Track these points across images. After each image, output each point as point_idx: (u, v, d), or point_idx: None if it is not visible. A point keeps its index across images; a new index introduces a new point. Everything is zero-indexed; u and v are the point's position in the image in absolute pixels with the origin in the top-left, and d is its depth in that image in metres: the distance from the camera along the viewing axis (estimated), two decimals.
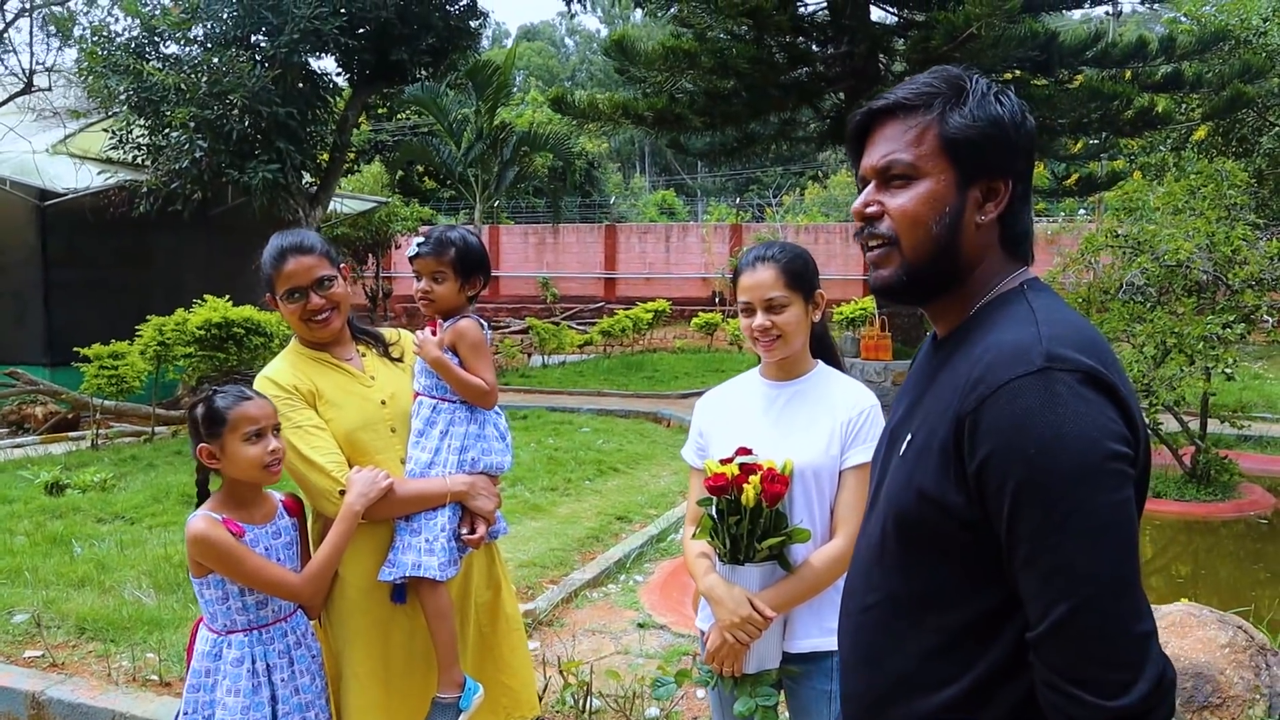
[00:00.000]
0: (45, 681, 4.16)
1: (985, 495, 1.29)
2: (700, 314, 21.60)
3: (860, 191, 1.52)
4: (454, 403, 2.68)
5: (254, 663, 2.44)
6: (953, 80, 1.44)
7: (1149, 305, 8.00)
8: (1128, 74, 10.98)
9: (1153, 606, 3.49)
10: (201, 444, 2.43)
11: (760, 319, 2.40)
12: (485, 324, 2.77)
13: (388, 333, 2.88)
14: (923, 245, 1.44)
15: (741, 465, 2.31)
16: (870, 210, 1.47)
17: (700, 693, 3.80)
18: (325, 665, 2.64)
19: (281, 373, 2.62)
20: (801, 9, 10.97)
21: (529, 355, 19.50)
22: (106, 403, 10.58)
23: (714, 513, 2.34)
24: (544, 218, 29.28)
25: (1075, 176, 14.61)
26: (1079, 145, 13.92)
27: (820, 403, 2.45)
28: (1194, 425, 8.44)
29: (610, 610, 5.08)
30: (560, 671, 3.83)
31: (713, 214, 33.21)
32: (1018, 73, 10.84)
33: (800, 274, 2.42)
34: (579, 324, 23.85)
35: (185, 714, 2.47)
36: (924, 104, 1.43)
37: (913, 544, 1.44)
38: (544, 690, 3.79)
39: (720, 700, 2.53)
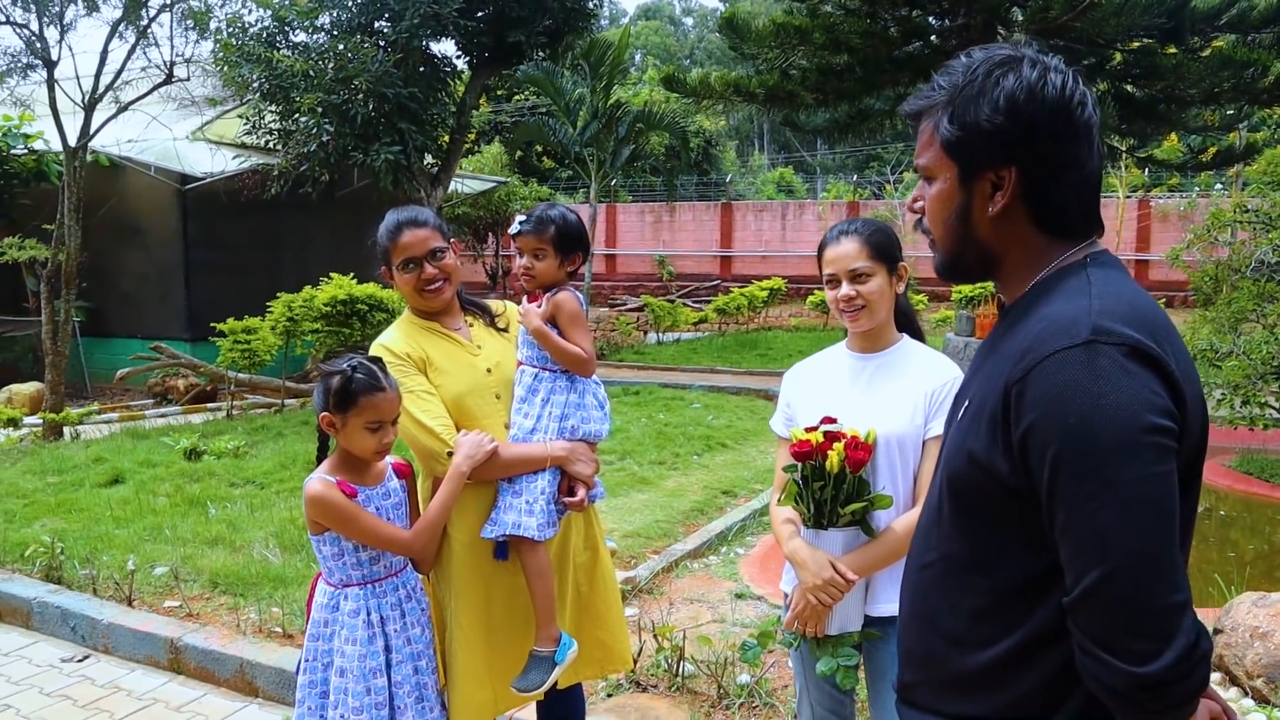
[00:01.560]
0: (182, 629, 4.49)
1: (1028, 462, 1.33)
2: (816, 292, 21.41)
3: None
4: (555, 372, 2.80)
5: (369, 614, 2.61)
6: (954, 78, 1.47)
7: None
8: (1267, 39, 10.42)
9: (1263, 594, 3.42)
10: (326, 412, 2.58)
11: (845, 289, 2.45)
12: (582, 297, 2.87)
13: (493, 304, 3.01)
14: (944, 238, 1.52)
15: (826, 433, 2.36)
16: (917, 205, 1.56)
17: (790, 662, 3.87)
18: (433, 617, 2.81)
19: (396, 340, 2.78)
20: None
21: (644, 332, 19.67)
22: (240, 375, 11.14)
23: (799, 479, 2.40)
24: (660, 196, 29.36)
25: (1213, 150, 13.95)
26: (1214, 117, 13.28)
27: (905, 374, 2.48)
28: None
29: (709, 580, 5.17)
30: (655, 636, 3.94)
31: (830, 191, 32.80)
32: (1146, 41, 10.42)
33: (883, 246, 2.46)
34: (694, 302, 23.91)
35: (307, 661, 2.65)
36: (931, 107, 1.49)
37: (964, 506, 1.48)
38: (639, 654, 3.91)
39: (803, 661, 2.60)
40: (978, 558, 1.46)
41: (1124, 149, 12.41)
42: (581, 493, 2.77)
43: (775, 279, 21.89)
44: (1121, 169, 21.75)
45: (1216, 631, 3.81)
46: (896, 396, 2.44)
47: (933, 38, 11.10)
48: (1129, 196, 23.44)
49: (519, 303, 3.00)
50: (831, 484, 2.35)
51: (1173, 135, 14.86)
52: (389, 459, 2.75)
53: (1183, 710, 1.28)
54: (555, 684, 2.78)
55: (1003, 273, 1.52)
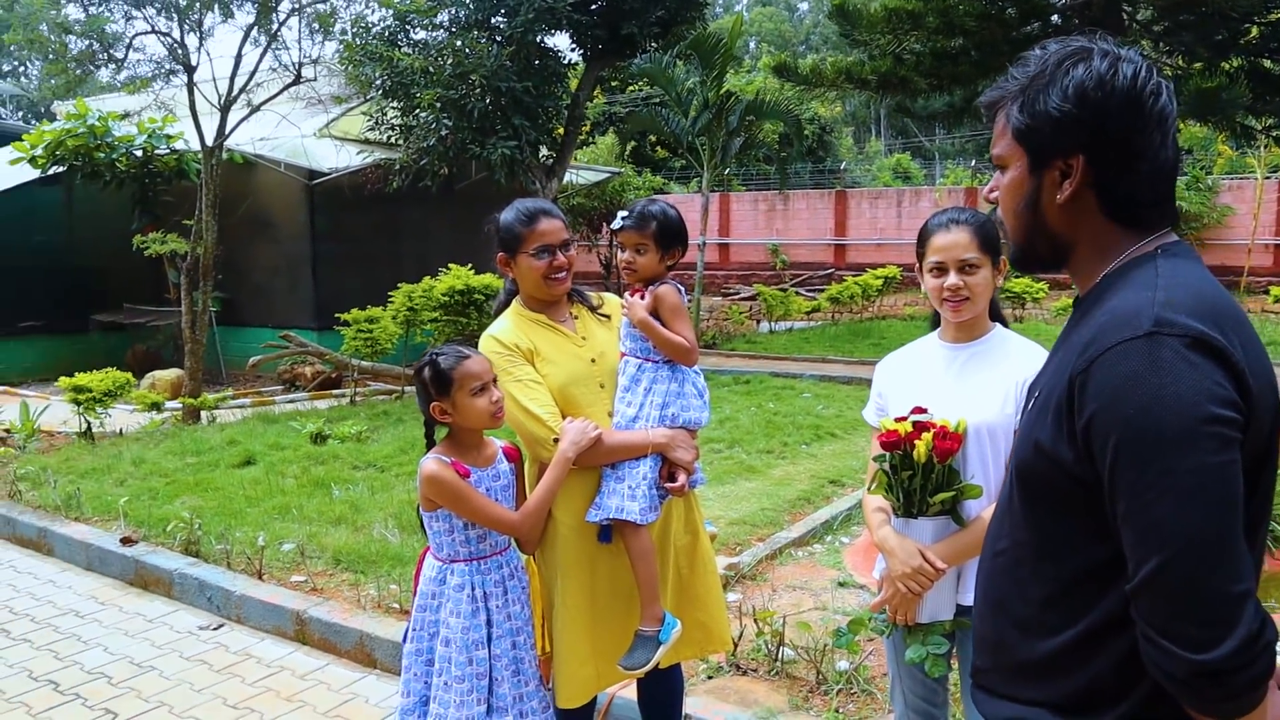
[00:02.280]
0: (307, 603, 4.76)
1: (1091, 452, 1.36)
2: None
3: None
4: (657, 363, 2.90)
5: (473, 589, 2.76)
6: (1027, 69, 1.51)
7: None
8: None
9: None
10: (433, 402, 2.74)
11: (953, 279, 2.48)
12: (682, 289, 2.96)
13: (594, 296, 3.13)
14: (1015, 227, 1.56)
15: (915, 423, 2.40)
16: (992, 195, 1.60)
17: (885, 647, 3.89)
18: (539, 596, 2.94)
19: (505, 332, 2.92)
20: None
21: (757, 322, 19.63)
22: (364, 363, 11.57)
23: (887, 468, 2.45)
24: (774, 184, 29.20)
25: None
26: None
27: (999, 363, 2.50)
28: None
29: (813, 568, 5.21)
30: (755, 620, 4.01)
31: (949, 178, 32.07)
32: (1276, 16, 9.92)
33: (992, 237, 2.48)
34: (808, 290, 23.73)
35: (414, 630, 2.82)
36: (1004, 97, 1.53)
37: (1031, 495, 1.52)
38: (739, 638, 3.99)
39: (895, 648, 2.64)
40: (1045, 546, 1.50)
41: (1260, 128, 11.83)
42: (682, 478, 2.86)
43: (890, 267, 21.56)
44: (1260, 148, 20.71)
45: None
46: (988, 386, 2.46)
47: (1053, 17, 10.80)
48: (1268, 178, 22.29)
49: (602, 298, 3.11)
50: (920, 473, 2.38)
51: None
52: (499, 443, 2.90)
53: (1245, 699, 1.29)
54: (658, 663, 2.89)
55: (1074, 263, 1.55)
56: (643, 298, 2.90)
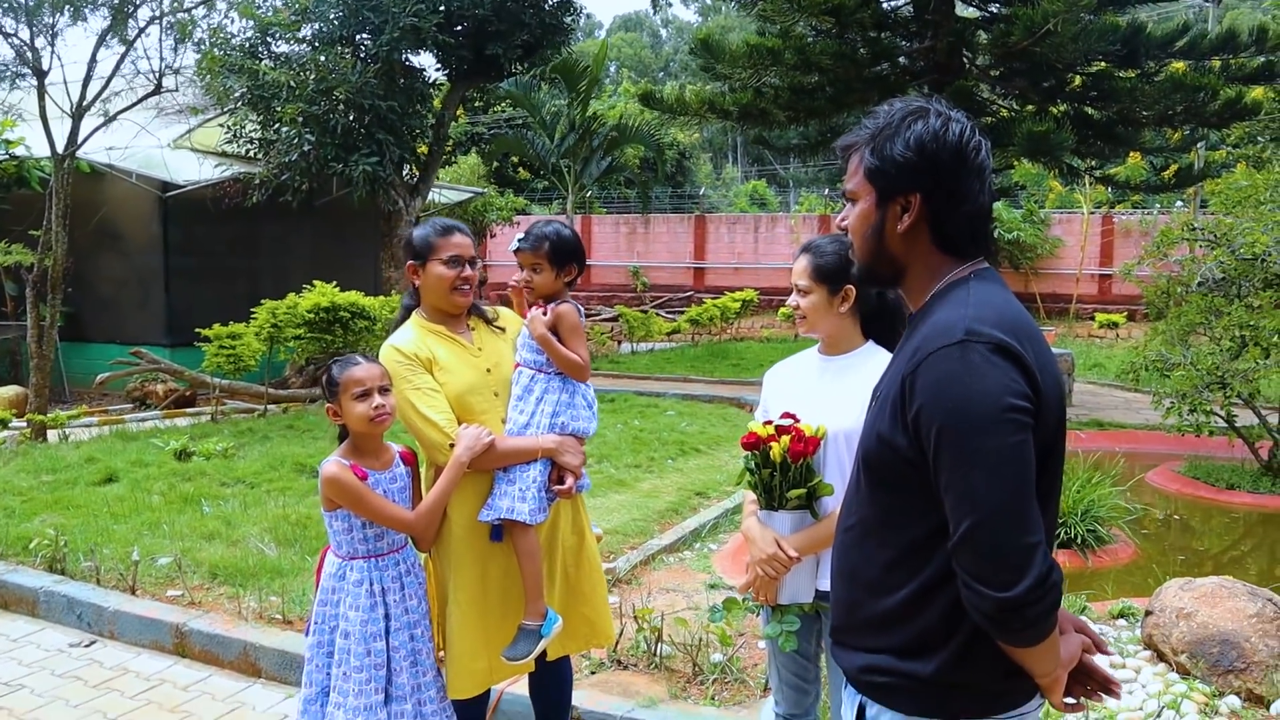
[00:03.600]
0: (186, 615, 4.74)
1: (919, 437, 1.68)
2: (786, 304, 21.78)
3: None
4: (549, 374, 3.11)
5: (371, 585, 2.91)
6: (876, 123, 1.83)
7: (1229, 299, 8.07)
8: (1215, 64, 10.90)
9: (1189, 579, 3.81)
10: (328, 404, 2.92)
11: (792, 298, 2.84)
12: (581, 309, 3.18)
13: (489, 310, 3.31)
14: (861, 250, 1.88)
15: (777, 426, 2.69)
16: (843, 224, 1.93)
17: (761, 644, 4.17)
18: (431, 592, 3.10)
19: (406, 342, 3.07)
20: (885, 4, 11.17)
21: (619, 342, 19.98)
22: (222, 381, 11.33)
23: (750, 466, 2.73)
24: (635, 208, 29.74)
25: (1174, 168, 14.44)
26: (1177, 136, 13.75)
27: (860, 376, 2.79)
28: (1272, 420, 8.47)
29: (684, 573, 5.48)
30: (635, 618, 4.24)
31: (803, 205, 33.24)
32: (1102, 65, 10.87)
33: (826, 269, 2.76)
34: (668, 312, 24.26)
35: (315, 624, 2.95)
36: (858, 143, 1.85)
37: (874, 477, 1.84)
38: (620, 636, 4.20)
39: (767, 622, 2.92)
40: (886, 519, 1.82)
41: (1084, 168, 12.86)
42: (570, 481, 3.07)
43: (748, 290, 22.28)
44: (1085, 186, 22.34)
45: (1147, 613, 4.16)
46: (848, 396, 2.75)
47: (900, 59, 11.52)
48: (1093, 212, 24.02)
49: (497, 311, 3.31)
50: (777, 471, 2.67)
51: (1136, 154, 15.33)
52: (396, 448, 3.05)
53: (1040, 627, 1.63)
54: (545, 655, 3.09)
55: (908, 283, 1.87)
56: (545, 314, 3.11)
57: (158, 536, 5.87)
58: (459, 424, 2.99)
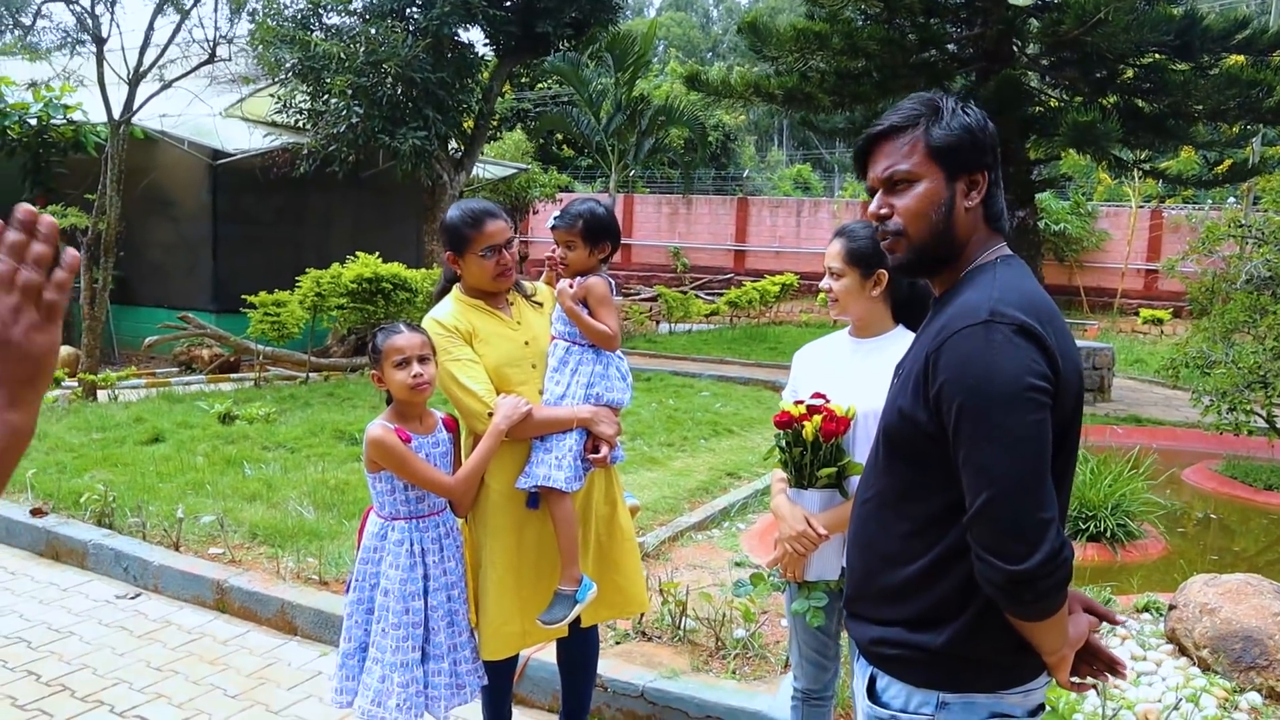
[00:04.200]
0: (227, 573, 4.90)
1: (940, 413, 1.74)
2: (819, 286, 21.70)
3: (872, 199, 1.95)
4: (583, 346, 3.19)
5: (411, 545, 3.01)
6: (929, 102, 1.87)
7: (1275, 298, 7.98)
8: (1276, 59, 10.69)
9: (1214, 575, 3.83)
10: (372, 370, 3.02)
11: (825, 281, 2.89)
12: (612, 282, 3.25)
13: (528, 285, 3.39)
14: (925, 230, 1.86)
15: (809, 406, 2.75)
16: (883, 212, 1.91)
17: (784, 621, 4.24)
18: (466, 556, 3.20)
19: (446, 315, 3.16)
20: None
21: (657, 322, 20.04)
22: (266, 347, 11.54)
23: (782, 444, 2.79)
24: (678, 188, 29.73)
25: (1228, 163, 14.19)
26: (1232, 130, 13.50)
27: (891, 358, 2.84)
28: None
29: (712, 550, 5.56)
30: (660, 592, 4.32)
31: (847, 190, 33.04)
32: (1156, 56, 10.71)
33: (860, 253, 2.82)
34: (707, 294, 24.28)
35: (356, 581, 3.05)
36: (910, 124, 1.87)
37: (894, 451, 1.89)
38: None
39: (791, 602, 2.99)
40: (905, 491, 1.88)
41: (1133, 161, 12.70)
42: (605, 450, 3.15)
43: (788, 274, 22.24)
44: (1135, 179, 22.03)
45: (1171, 607, 4.18)
46: (878, 377, 2.79)
47: (949, 46, 11.42)
48: (1142, 206, 23.68)
49: (535, 287, 3.39)
50: (809, 450, 2.73)
51: (1189, 148, 15.08)
52: (439, 414, 3.15)
53: (1049, 600, 1.68)
54: (578, 621, 3.17)
55: (957, 264, 1.89)
56: (572, 287, 3.19)
57: (201, 496, 6.05)
58: (498, 394, 3.08)
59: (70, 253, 1.07)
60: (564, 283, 3.21)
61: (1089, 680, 1.96)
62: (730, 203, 28.99)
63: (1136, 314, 22.25)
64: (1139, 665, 4.00)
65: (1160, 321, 20.99)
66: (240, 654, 4.36)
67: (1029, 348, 1.68)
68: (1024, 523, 1.63)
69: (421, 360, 2.96)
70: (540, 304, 3.33)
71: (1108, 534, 6.02)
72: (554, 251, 3.28)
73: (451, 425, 3.17)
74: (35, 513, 5.70)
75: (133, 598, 4.97)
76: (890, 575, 1.88)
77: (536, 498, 3.12)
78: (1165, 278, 20.88)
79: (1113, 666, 1.93)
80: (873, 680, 1.95)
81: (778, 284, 21.17)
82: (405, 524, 3.02)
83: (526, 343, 3.21)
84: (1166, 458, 7.83)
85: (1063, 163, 16.29)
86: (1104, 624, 1.96)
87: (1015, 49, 11.25)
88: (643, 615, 4.25)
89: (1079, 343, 12.33)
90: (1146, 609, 4.68)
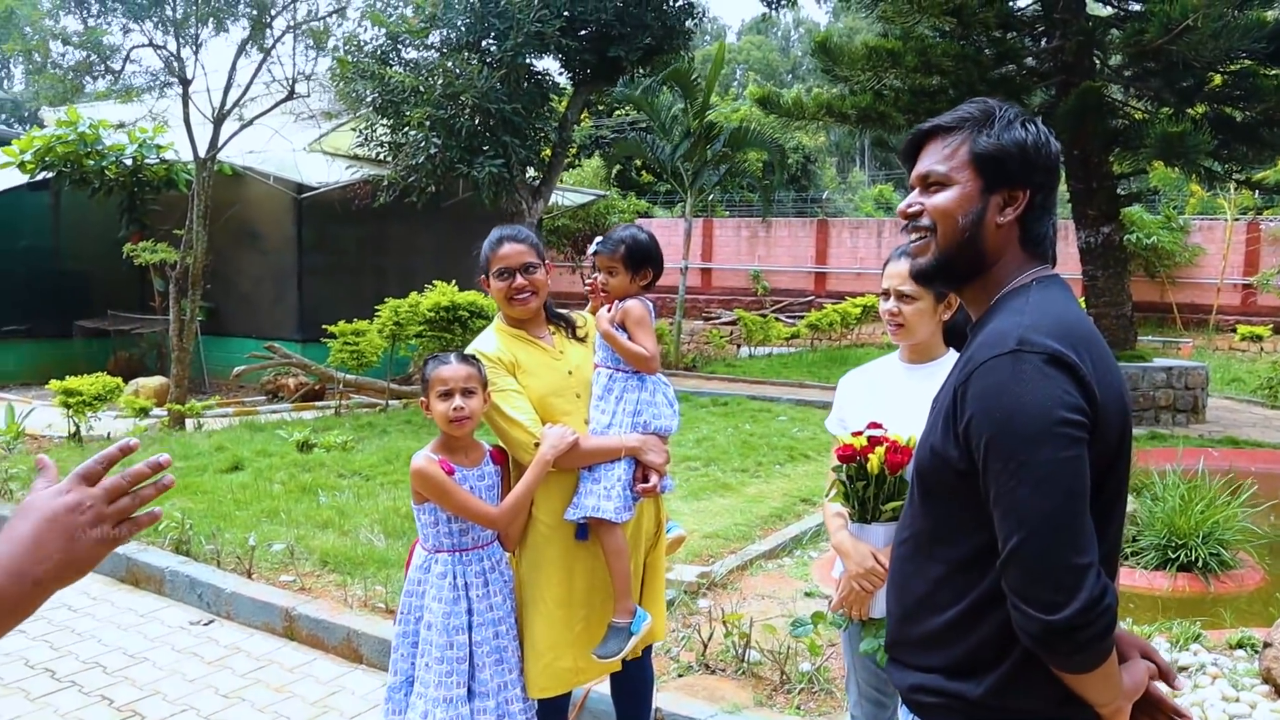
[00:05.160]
0: (295, 600, 4.95)
1: (969, 449, 1.63)
2: (881, 309, 21.31)
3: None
4: (627, 373, 3.15)
5: (455, 579, 2.98)
6: (985, 109, 1.77)
7: None
8: None
9: None
10: (421, 398, 3.02)
11: (891, 304, 2.75)
12: (651, 306, 3.21)
13: (575, 316, 3.37)
14: (951, 234, 1.76)
15: (870, 438, 2.64)
16: (912, 209, 1.81)
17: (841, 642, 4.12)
18: (515, 591, 3.16)
19: (489, 345, 3.15)
20: (1011, 4, 10.84)
21: (737, 346, 19.92)
22: (348, 376, 11.75)
23: (844, 478, 2.69)
24: (758, 211, 29.61)
25: None
26: None
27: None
28: None
29: (781, 579, 5.44)
30: (724, 623, 4.23)
31: None
32: (1246, 62, 10.31)
33: None
34: (788, 317, 24.07)
35: (402, 614, 3.04)
36: (958, 126, 1.77)
37: (927, 490, 1.79)
38: (709, 639, 4.21)
39: (850, 642, 2.88)
40: (937, 532, 1.77)
41: (1225, 173, 12.24)
42: (654, 479, 3.09)
43: (870, 296, 21.89)
44: (1230, 190, 21.22)
45: (1267, 645, 3.95)
46: None
47: (1027, 60, 11.17)
48: (1237, 219, 22.82)
49: (584, 317, 3.36)
50: (873, 484, 2.63)
51: None
52: (487, 445, 3.13)
53: (1092, 653, 1.56)
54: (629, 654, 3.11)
55: (981, 282, 1.78)
56: (610, 311, 3.15)
57: (275, 523, 6.15)
58: (543, 425, 3.05)
59: (156, 513, 1.34)
60: (602, 310, 3.18)
61: None
62: (810, 225, 28.77)
63: (1233, 330, 21.38)
64: (1230, 708, 3.79)
65: (1259, 338, 20.13)
66: (306, 682, 4.39)
67: (1061, 378, 1.57)
68: (1057, 568, 1.52)
69: (466, 393, 2.94)
70: (584, 338, 3.30)
71: (1199, 563, 5.74)
72: (595, 277, 3.26)
73: (499, 458, 3.15)
74: None
75: (206, 624, 5.05)
76: (927, 620, 1.78)
77: (585, 529, 3.07)
78: (1262, 292, 20.04)
79: (1177, 718, 1.80)
80: None
81: (859, 306, 20.88)
82: (449, 556, 2.99)
83: (570, 372, 3.18)
84: (1266, 482, 7.45)
85: (1152, 176, 15.76)
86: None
87: (1096, 61, 10.94)
88: (706, 647, 4.17)
89: (1170, 362, 11.91)
90: (1240, 645, 4.43)
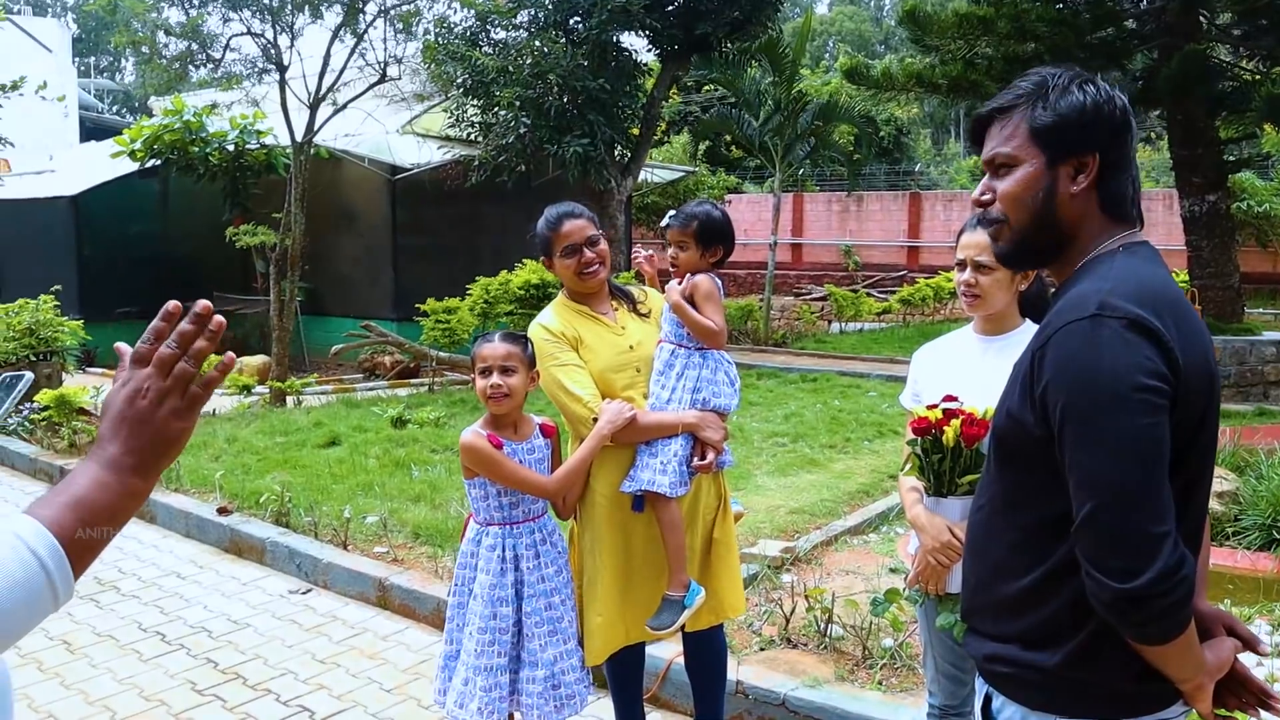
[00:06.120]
0: (389, 571, 5.11)
1: (1047, 414, 1.61)
2: (955, 281, 20.82)
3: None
4: (690, 349, 3.15)
5: (504, 551, 3.03)
6: (1038, 80, 1.73)
7: None
8: None
9: None
10: (473, 373, 3.08)
11: (967, 274, 2.71)
12: (719, 282, 3.21)
13: (637, 291, 3.39)
14: (1024, 219, 1.73)
15: (945, 410, 2.62)
16: (985, 198, 1.79)
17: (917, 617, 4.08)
18: (573, 562, 3.20)
19: (551, 321, 3.20)
20: None
21: (828, 322, 19.74)
22: (441, 353, 11.99)
23: (919, 451, 2.67)
24: (848, 185, 29.22)
25: None
26: None
27: None
28: None
29: (866, 555, 5.41)
30: (806, 598, 4.24)
31: None
32: None
33: None
34: (880, 292, 23.74)
35: (456, 586, 3.12)
36: (1015, 104, 1.74)
37: (1004, 455, 1.77)
38: (791, 614, 4.22)
39: (927, 618, 2.86)
40: (1014, 498, 1.75)
41: None
42: (710, 456, 3.09)
43: None
44: None
45: None
46: None
47: (1127, 22, 10.77)
48: None
49: (645, 292, 3.38)
50: (949, 456, 2.60)
51: None
52: (536, 420, 3.17)
53: (1167, 623, 1.53)
54: (684, 627, 3.13)
55: (1068, 254, 1.75)
56: (681, 284, 3.17)
57: (370, 496, 6.34)
58: (603, 399, 3.08)
59: (230, 357, 1.28)
60: (673, 282, 3.19)
61: (1236, 716, 1.78)
62: (902, 198, 28.28)
63: None
64: None
65: None
66: (398, 649, 4.54)
67: (1142, 343, 1.54)
68: (1132, 536, 1.50)
69: (505, 371, 2.98)
70: (646, 313, 3.31)
71: None
72: (643, 255, 3.30)
73: (550, 431, 3.19)
74: (221, 511, 6.10)
75: (304, 593, 5.25)
76: (1002, 587, 1.76)
77: (641, 501, 3.10)
78: None
79: (1264, 699, 1.75)
80: (988, 699, 1.84)
81: (953, 280, 20.47)
82: (499, 529, 3.04)
83: (631, 347, 3.19)
84: None
85: (1264, 140, 15.07)
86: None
87: (1202, 19, 10.49)
88: (789, 622, 4.19)
89: None
90: None
